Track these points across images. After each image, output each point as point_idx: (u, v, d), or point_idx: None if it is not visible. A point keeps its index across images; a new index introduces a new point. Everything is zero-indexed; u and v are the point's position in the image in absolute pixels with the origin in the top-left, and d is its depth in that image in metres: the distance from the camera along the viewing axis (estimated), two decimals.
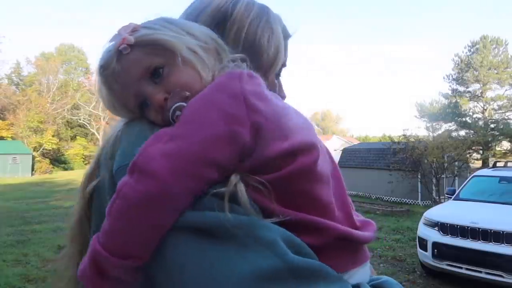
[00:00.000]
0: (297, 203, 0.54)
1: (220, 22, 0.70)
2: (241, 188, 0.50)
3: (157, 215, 0.48)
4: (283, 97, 0.79)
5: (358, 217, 0.68)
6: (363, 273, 0.63)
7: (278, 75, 0.78)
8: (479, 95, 32.37)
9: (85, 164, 39.51)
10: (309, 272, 0.49)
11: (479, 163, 27.03)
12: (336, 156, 25.41)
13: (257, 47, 0.70)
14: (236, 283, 0.45)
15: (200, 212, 0.49)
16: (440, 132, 27.43)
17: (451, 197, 7.13)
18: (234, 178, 0.51)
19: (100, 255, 0.50)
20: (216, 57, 0.64)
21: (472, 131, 29.39)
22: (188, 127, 0.52)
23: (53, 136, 35.27)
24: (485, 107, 32.26)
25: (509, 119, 31.24)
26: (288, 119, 0.57)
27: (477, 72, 31.39)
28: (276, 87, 0.77)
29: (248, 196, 0.51)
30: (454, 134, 25.90)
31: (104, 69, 0.60)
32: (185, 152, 0.49)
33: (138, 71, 0.59)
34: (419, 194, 14.32)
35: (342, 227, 0.57)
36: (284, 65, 0.78)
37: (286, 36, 0.77)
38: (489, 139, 29.38)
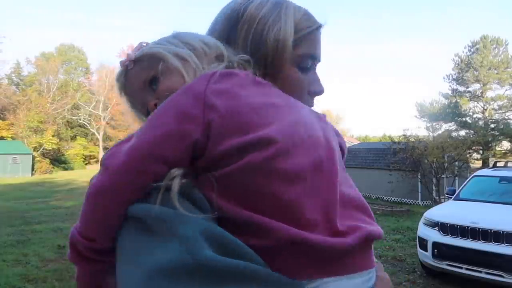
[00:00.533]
0: (253, 201, 0.53)
1: (234, 24, 0.72)
2: (176, 182, 0.52)
3: (106, 204, 0.54)
4: (317, 92, 0.75)
5: (356, 220, 0.58)
6: (348, 285, 0.55)
7: (303, 68, 0.72)
8: (479, 95, 32.36)
9: (85, 164, 39.57)
10: (226, 272, 0.46)
11: (479, 163, 27.04)
12: None
13: (261, 44, 0.69)
14: (144, 274, 0.46)
15: (139, 204, 0.53)
16: (440, 132, 27.43)
17: (451, 197, 7.13)
18: (172, 173, 0.53)
19: (74, 237, 0.57)
20: (212, 62, 0.67)
21: (472, 131, 29.38)
22: (145, 126, 0.56)
23: (53, 136, 35.26)
24: (485, 107, 32.25)
25: (509, 119, 31.23)
26: (252, 115, 0.56)
27: (477, 72, 31.38)
28: (299, 82, 0.71)
29: (189, 191, 0.53)
30: (454, 134, 25.87)
31: (116, 82, 0.72)
32: (136, 149, 0.53)
33: (139, 83, 0.67)
34: (419, 194, 14.32)
35: (294, 231, 0.51)
36: (314, 58, 0.73)
37: (310, 26, 0.72)
38: (489, 139, 29.37)
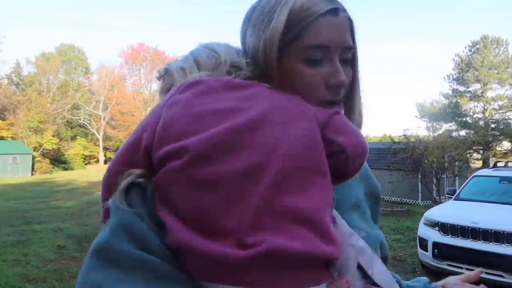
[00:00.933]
0: (175, 207, 0.54)
1: (243, 30, 0.74)
2: (122, 182, 0.59)
3: (102, 191, 0.65)
4: (333, 84, 0.66)
5: (278, 234, 0.49)
6: None
7: (312, 61, 0.65)
8: (480, 95, 32.37)
9: (85, 164, 39.59)
10: (129, 262, 0.52)
11: (479, 163, 27.03)
12: None
13: (253, 44, 0.70)
14: (90, 251, 0.56)
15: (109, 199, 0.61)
16: (440, 132, 27.48)
17: (451, 197, 7.13)
18: (129, 172, 0.60)
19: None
20: (210, 70, 0.71)
21: (473, 131, 29.38)
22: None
23: (53, 136, 35.24)
24: (486, 107, 32.26)
25: (509, 119, 31.25)
26: (192, 123, 0.57)
27: (477, 72, 31.39)
28: (306, 77, 0.66)
29: (135, 189, 0.60)
30: (454, 134, 25.88)
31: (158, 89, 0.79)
32: (117, 154, 0.64)
33: (164, 91, 0.73)
34: (420, 194, 14.32)
35: (183, 237, 0.51)
36: (323, 47, 0.65)
37: (312, 14, 0.64)
38: (490, 139, 29.38)
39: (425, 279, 0.93)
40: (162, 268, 0.52)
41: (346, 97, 0.71)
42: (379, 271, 0.63)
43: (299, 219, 0.50)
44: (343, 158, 0.59)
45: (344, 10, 0.68)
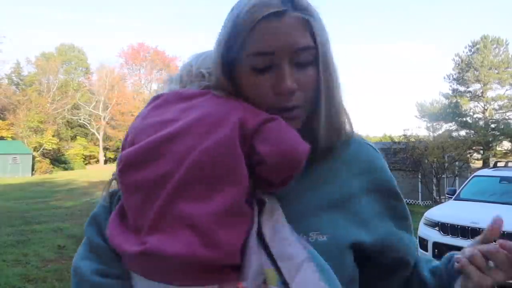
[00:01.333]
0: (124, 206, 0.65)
1: None
2: (108, 183, 0.73)
3: None
4: (278, 91, 0.64)
5: (163, 236, 0.55)
6: (142, 284, 0.59)
7: (258, 69, 0.64)
8: (480, 95, 32.37)
9: (85, 164, 39.59)
10: (91, 246, 0.70)
11: (479, 163, 27.03)
12: None
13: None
14: None
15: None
16: (440, 132, 27.40)
17: (451, 197, 7.13)
18: (111, 177, 0.71)
19: None
20: (189, 82, 0.76)
21: (473, 131, 29.38)
22: None
23: (53, 136, 35.23)
24: (486, 107, 32.26)
25: (509, 119, 31.24)
26: (138, 134, 0.65)
27: (477, 72, 31.39)
28: (253, 85, 0.65)
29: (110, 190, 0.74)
30: (454, 134, 25.88)
31: None
32: None
33: None
34: (420, 194, 14.32)
35: (108, 232, 0.64)
36: (266, 54, 0.63)
37: (252, 21, 0.63)
38: (490, 139, 29.38)
39: (447, 256, 0.82)
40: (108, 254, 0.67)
41: (311, 100, 0.67)
42: (304, 281, 0.57)
43: (189, 225, 0.54)
44: (264, 167, 0.59)
45: (296, 10, 0.63)
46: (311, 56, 0.65)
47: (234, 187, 0.56)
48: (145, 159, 0.60)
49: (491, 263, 0.68)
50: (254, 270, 0.56)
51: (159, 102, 0.70)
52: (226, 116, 0.60)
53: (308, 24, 0.64)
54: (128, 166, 0.61)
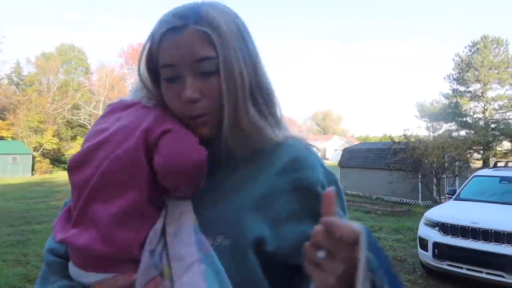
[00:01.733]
0: None
1: None
2: None
3: None
4: (183, 101, 0.69)
5: (77, 231, 0.67)
6: (71, 269, 0.72)
7: (168, 80, 0.70)
8: (480, 95, 32.33)
9: None
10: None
11: (479, 163, 27.01)
12: (337, 156, 25.33)
13: None
14: None
15: None
16: (440, 132, 27.36)
17: (451, 197, 7.12)
18: None
19: None
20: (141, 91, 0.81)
21: (473, 131, 29.33)
22: None
23: (53, 136, 35.22)
24: (486, 107, 32.22)
25: (509, 119, 31.19)
26: (83, 141, 0.73)
27: (477, 72, 31.35)
28: (166, 95, 0.71)
29: None
30: (454, 134, 25.82)
31: None
32: None
33: None
34: (420, 194, 14.30)
35: (55, 223, 0.72)
36: (169, 66, 0.69)
37: (156, 37, 0.70)
38: (490, 139, 29.33)
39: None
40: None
41: (219, 108, 0.69)
42: (188, 282, 0.62)
43: (95, 223, 0.65)
44: (158, 176, 0.66)
45: (197, 24, 0.67)
46: (214, 66, 0.68)
47: (135, 192, 0.65)
48: (81, 163, 0.69)
49: (321, 254, 0.53)
50: (144, 264, 0.64)
51: (106, 111, 0.77)
52: (138, 126, 0.67)
53: (208, 36, 0.68)
54: (72, 168, 0.71)
